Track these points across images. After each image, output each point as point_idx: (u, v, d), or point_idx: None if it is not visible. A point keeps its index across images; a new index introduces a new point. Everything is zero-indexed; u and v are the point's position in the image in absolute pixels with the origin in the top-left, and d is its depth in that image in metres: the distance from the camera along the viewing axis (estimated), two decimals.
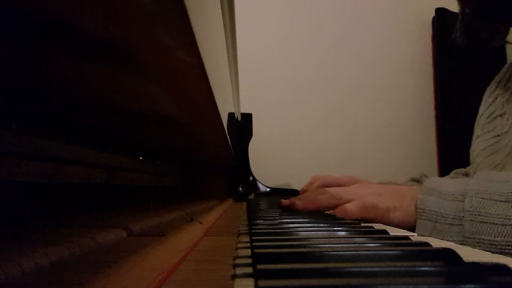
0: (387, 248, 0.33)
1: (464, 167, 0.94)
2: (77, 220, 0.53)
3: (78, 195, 0.56)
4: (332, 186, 0.86)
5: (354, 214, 0.67)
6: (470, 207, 0.56)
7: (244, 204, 1.11)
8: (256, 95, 1.78)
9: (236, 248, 0.36)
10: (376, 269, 0.25)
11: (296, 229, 0.48)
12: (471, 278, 0.23)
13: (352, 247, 0.35)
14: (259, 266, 0.24)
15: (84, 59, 0.34)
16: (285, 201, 0.73)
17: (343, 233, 0.45)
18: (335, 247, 0.33)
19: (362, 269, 0.25)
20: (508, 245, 0.53)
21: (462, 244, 0.56)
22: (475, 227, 0.55)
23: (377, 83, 1.92)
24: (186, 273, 0.30)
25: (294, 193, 1.32)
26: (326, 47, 1.90)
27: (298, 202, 0.72)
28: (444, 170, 1.69)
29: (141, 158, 0.85)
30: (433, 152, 1.89)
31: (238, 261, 0.30)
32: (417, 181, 0.93)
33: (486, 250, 0.54)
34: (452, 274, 0.24)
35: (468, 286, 0.22)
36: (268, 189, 1.47)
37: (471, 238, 0.55)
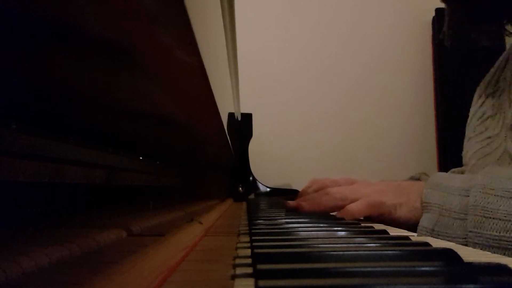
0: (387, 248, 0.33)
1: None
2: (77, 220, 0.53)
3: (78, 195, 0.56)
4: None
5: (361, 214, 0.67)
6: (474, 202, 0.56)
7: (244, 204, 1.11)
8: (256, 95, 1.78)
9: (236, 248, 0.36)
10: (376, 269, 0.25)
11: (296, 229, 0.48)
12: (471, 278, 0.23)
13: (352, 247, 0.35)
14: (259, 266, 0.24)
15: (84, 59, 0.34)
16: (290, 203, 0.73)
17: (343, 233, 0.45)
18: (335, 247, 0.33)
19: (362, 269, 0.25)
20: (510, 241, 0.53)
21: (464, 238, 0.56)
22: (478, 222, 0.55)
23: (377, 83, 1.92)
24: (186, 273, 0.30)
25: (294, 193, 1.32)
26: (326, 47, 1.90)
27: (304, 203, 0.72)
28: (444, 170, 1.68)
29: (141, 158, 0.85)
30: (433, 152, 1.89)
31: (238, 261, 0.30)
32: (417, 179, 0.93)
33: (487, 245, 0.54)
34: (452, 274, 0.24)
35: (468, 286, 0.22)
36: (268, 189, 1.47)
37: (473, 232, 0.55)
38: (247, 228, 0.49)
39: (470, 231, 0.56)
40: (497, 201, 0.55)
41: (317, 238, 0.41)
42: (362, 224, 0.53)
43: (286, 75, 1.88)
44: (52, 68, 0.36)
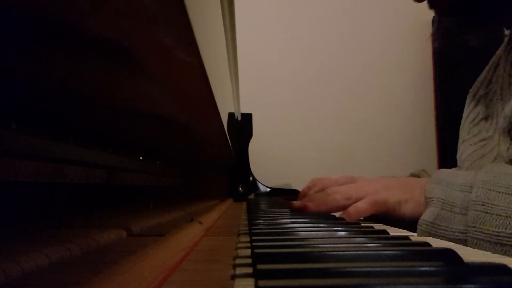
0: (387, 248, 0.33)
1: None
2: (77, 220, 0.53)
3: (78, 195, 0.56)
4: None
5: (366, 212, 0.67)
6: (476, 197, 0.56)
7: (244, 204, 1.11)
8: (256, 95, 1.78)
9: (236, 248, 0.36)
10: (376, 269, 0.25)
11: (296, 229, 0.48)
12: (471, 278, 0.23)
13: (352, 247, 0.35)
14: (259, 266, 0.24)
15: (84, 59, 0.34)
16: (295, 203, 0.74)
17: (343, 233, 0.45)
18: (335, 247, 0.33)
19: (362, 269, 0.25)
20: (510, 237, 0.53)
21: (463, 233, 0.56)
22: (478, 217, 0.55)
23: (377, 83, 1.92)
24: (186, 273, 0.30)
25: (294, 193, 1.32)
26: (326, 47, 1.90)
27: (309, 204, 0.72)
28: None
29: (141, 158, 0.85)
30: (433, 152, 1.89)
31: (238, 261, 0.30)
32: (417, 176, 0.93)
33: (486, 241, 0.54)
34: (452, 274, 0.24)
35: (468, 286, 0.22)
36: (268, 189, 1.47)
37: (473, 227, 0.55)
38: (247, 228, 0.49)
39: (470, 226, 0.56)
40: (499, 197, 0.55)
41: (317, 238, 0.41)
42: (362, 224, 0.53)
43: (286, 75, 1.88)
44: (52, 68, 0.36)
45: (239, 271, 0.27)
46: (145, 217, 0.59)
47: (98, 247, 0.38)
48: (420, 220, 0.62)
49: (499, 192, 0.55)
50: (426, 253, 0.31)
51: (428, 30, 0.90)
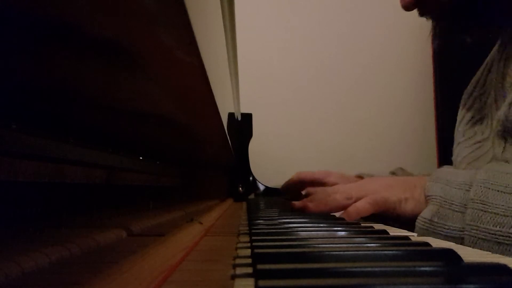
0: (387, 248, 0.33)
1: None
2: (77, 220, 0.53)
3: (78, 195, 0.56)
4: (308, 181, 0.89)
5: (366, 212, 0.67)
6: (474, 196, 0.57)
7: (244, 204, 1.11)
8: (256, 95, 1.78)
9: (236, 248, 0.36)
10: (376, 269, 0.25)
11: (296, 229, 0.48)
12: (471, 278, 0.23)
13: (352, 247, 0.35)
14: (259, 266, 0.24)
15: (84, 59, 0.34)
16: (296, 204, 0.74)
17: (343, 233, 0.45)
18: (335, 247, 0.33)
19: (362, 269, 0.25)
20: (506, 236, 0.53)
21: (461, 231, 0.56)
22: (476, 215, 0.55)
23: (377, 83, 1.92)
24: (186, 273, 0.30)
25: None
26: (326, 47, 1.90)
27: (310, 204, 0.72)
28: None
29: (141, 158, 0.85)
30: (433, 152, 1.89)
31: (238, 261, 0.30)
32: (394, 174, 0.95)
33: (483, 239, 0.54)
34: (452, 274, 0.24)
35: (468, 286, 0.22)
36: (268, 189, 1.47)
37: (470, 225, 0.56)
38: (247, 228, 0.49)
39: (467, 224, 0.56)
40: (497, 196, 0.55)
41: (317, 238, 0.41)
42: (362, 224, 0.53)
43: (286, 75, 1.88)
44: (52, 68, 0.36)
45: (239, 271, 0.27)
46: (145, 217, 0.59)
47: (98, 247, 0.38)
48: (418, 218, 0.62)
49: (498, 191, 0.56)
50: (426, 253, 0.31)
51: (428, 30, 0.90)
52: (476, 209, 0.56)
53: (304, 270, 0.24)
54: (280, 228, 0.49)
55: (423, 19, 0.84)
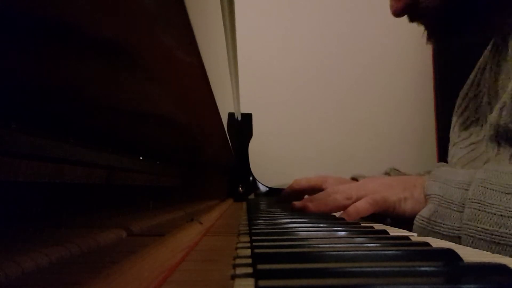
0: (387, 248, 0.33)
1: None
2: (77, 220, 0.53)
3: (78, 195, 0.56)
4: (307, 189, 0.90)
5: (366, 212, 0.67)
6: (472, 195, 0.57)
7: (244, 204, 1.11)
8: (256, 95, 1.78)
9: (236, 248, 0.36)
10: (376, 269, 0.25)
11: (296, 229, 0.48)
12: (471, 278, 0.23)
13: (352, 247, 0.35)
14: (259, 266, 0.24)
15: (84, 59, 0.34)
16: (296, 204, 0.74)
17: (343, 233, 0.45)
18: (335, 247, 0.33)
19: (362, 269, 0.25)
20: (503, 236, 0.53)
21: (458, 230, 0.56)
22: (473, 215, 0.55)
23: (377, 83, 1.92)
24: (186, 273, 0.30)
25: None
26: (326, 47, 1.90)
27: (310, 204, 0.73)
28: None
29: (141, 158, 0.85)
30: (433, 152, 1.89)
31: (238, 261, 0.30)
32: (388, 174, 0.95)
33: (480, 239, 0.54)
34: (452, 274, 0.24)
35: (468, 286, 0.22)
36: (268, 189, 1.47)
37: (467, 225, 0.56)
38: (247, 228, 0.49)
39: (465, 223, 0.56)
40: (495, 195, 0.55)
41: (317, 238, 0.41)
42: (362, 224, 0.53)
43: (286, 75, 1.88)
44: (52, 68, 0.36)
45: (239, 271, 0.27)
46: (145, 217, 0.59)
47: (98, 247, 0.38)
48: (417, 216, 0.62)
49: (495, 190, 0.56)
50: (426, 253, 0.31)
51: None
52: (473, 208, 0.56)
53: (304, 270, 0.24)
54: (280, 228, 0.49)
55: None
